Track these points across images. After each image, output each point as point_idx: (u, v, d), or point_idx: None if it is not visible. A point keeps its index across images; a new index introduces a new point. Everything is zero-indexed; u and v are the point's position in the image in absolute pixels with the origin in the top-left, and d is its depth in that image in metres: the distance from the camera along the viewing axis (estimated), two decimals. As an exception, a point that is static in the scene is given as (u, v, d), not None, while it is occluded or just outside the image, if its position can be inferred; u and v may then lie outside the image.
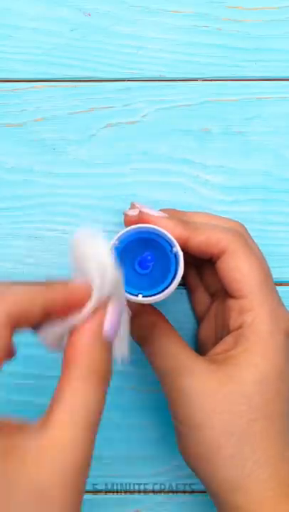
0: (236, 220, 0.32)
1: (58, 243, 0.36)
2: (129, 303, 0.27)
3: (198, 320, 0.36)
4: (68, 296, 0.23)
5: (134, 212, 0.30)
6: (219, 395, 0.28)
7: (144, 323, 0.31)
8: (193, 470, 0.29)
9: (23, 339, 0.24)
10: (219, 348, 0.30)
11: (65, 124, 0.37)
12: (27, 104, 0.37)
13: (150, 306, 0.31)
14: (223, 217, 0.32)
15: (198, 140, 0.36)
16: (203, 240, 0.29)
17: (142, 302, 0.29)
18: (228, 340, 0.30)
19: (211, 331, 0.34)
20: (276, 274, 0.36)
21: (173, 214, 0.31)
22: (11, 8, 0.37)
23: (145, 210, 0.30)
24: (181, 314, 0.36)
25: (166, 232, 0.29)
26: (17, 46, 0.37)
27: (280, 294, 0.36)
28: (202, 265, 0.34)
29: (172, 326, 0.31)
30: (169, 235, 0.28)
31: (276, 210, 0.36)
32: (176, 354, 0.29)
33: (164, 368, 0.30)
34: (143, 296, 0.29)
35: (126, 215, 0.31)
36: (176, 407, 0.29)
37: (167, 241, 0.29)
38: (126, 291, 0.27)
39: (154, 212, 0.30)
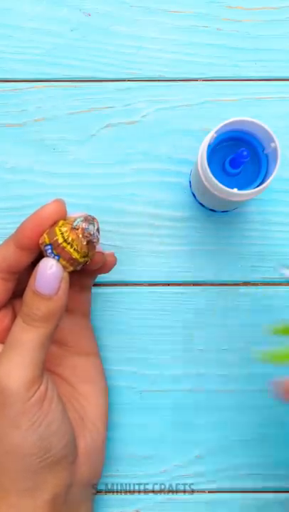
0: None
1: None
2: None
3: None
4: (36, 219, 0.27)
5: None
6: None
7: None
8: None
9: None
10: None
11: (65, 124, 0.37)
12: (27, 104, 0.37)
13: None
14: None
15: (198, 140, 0.36)
16: None
17: (235, 197, 0.30)
18: None
19: None
20: (275, 274, 0.36)
21: None
22: (11, 8, 0.37)
23: None
24: (182, 315, 0.36)
25: (265, 126, 0.29)
26: (17, 46, 0.37)
27: (280, 294, 0.36)
28: None
29: None
30: (269, 130, 0.29)
31: (275, 210, 0.36)
32: None
33: None
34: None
35: None
36: None
37: (259, 141, 0.30)
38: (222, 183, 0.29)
39: None
